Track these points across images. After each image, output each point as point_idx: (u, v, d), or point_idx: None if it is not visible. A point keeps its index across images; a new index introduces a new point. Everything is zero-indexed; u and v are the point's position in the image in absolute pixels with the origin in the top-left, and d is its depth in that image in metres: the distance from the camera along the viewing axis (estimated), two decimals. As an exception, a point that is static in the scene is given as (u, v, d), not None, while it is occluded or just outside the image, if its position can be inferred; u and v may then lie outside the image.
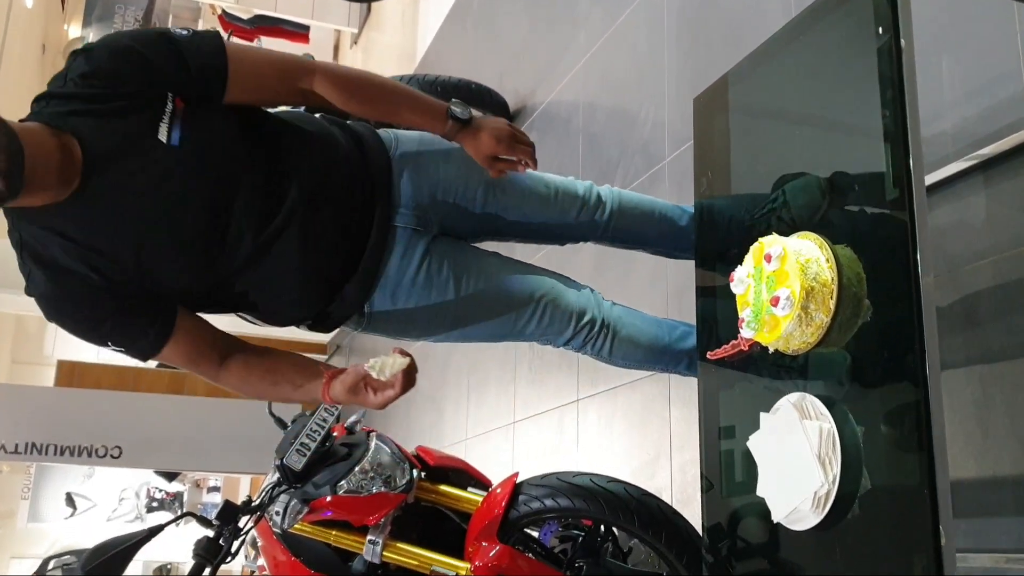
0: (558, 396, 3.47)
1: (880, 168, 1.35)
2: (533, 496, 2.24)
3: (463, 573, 2.28)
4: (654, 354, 2.02)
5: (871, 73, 1.37)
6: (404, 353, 1.61)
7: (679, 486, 2.60)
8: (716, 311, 1.68)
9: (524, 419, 3.76)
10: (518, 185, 1.94)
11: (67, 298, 1.60)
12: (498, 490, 2.34)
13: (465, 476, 2.55)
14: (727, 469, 1.58)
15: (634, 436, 2.93)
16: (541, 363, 3.66)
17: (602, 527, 2.40)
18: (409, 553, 2.33)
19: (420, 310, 1.85)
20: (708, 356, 1.63)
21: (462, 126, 1.77)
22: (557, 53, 3.88)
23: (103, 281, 1.58)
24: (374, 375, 1.60)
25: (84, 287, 1.58)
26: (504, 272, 1.91)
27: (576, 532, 2.42)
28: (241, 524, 2.27)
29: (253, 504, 2.29)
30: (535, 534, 2.42)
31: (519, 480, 2.30)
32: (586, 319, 1.95)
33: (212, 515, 2.24)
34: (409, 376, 1.61)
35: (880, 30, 1.35)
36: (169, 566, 10.57)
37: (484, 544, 2.27)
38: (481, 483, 2.54)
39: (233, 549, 2.27)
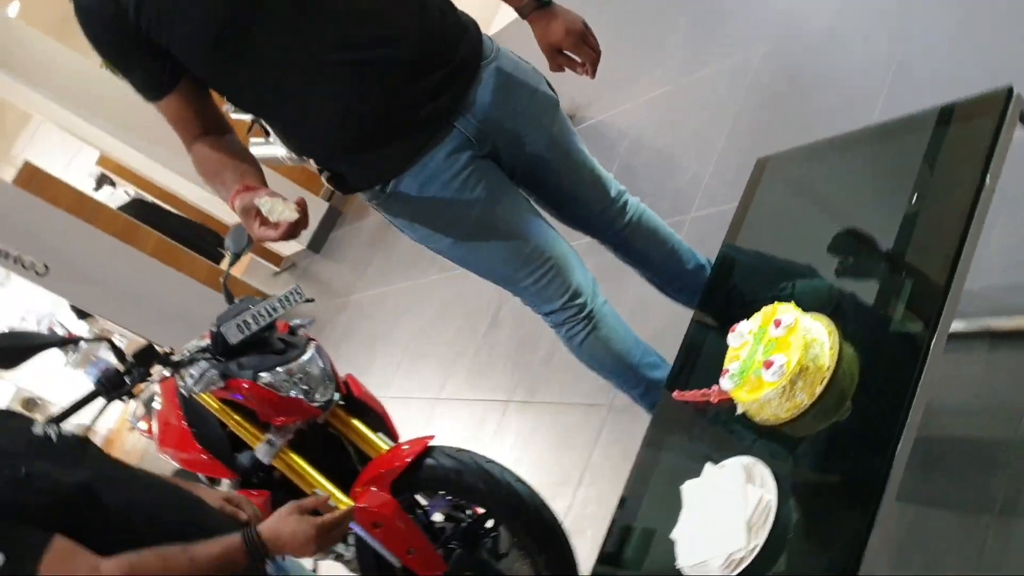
0: (492, 390, 3.44)
1: (912, 291, 1.36)
2: (440, 464, 2.21)
3: (342, 508, 2.23)
4: (620, 367, 2.02)
5: (934, 202, 1.38)
6: (300, 207, 1.59)
7: (575, 517, 2.58)
8: (700, 354, 1.67)
9: (449, 399, 3.73)
10: (575, 154, 1.95)
11: (99, 23, 1.66)
12: (406, 446, 2.31)
13: (380, 421, 2.51)
14: (649, 502, 1.56)
15: (550, 455, 2.90)
16: (492, 353, 3.62)
17: (490, 522, 2.37)
18: (299, 467, 2.28)
19: (440, 211, 1.83)
20: (675, 395, 1.62)
21: (539, 6, 1.78)
22: (629, 76, 3.88)
23: (132, 21, 1.62)
24: (264, 212, 1.60)
25: (116, 20, 1.63)
26: (531, 219, 1.90)
27: (463, 516, 2.38)
28: (152, 371, 2.22)
29: (172, 358, 2.24)
30: (423, 502, 2.39)
31: (432, 444, 2.26)
32: (578, 301, 1.94)
33: (101, 372, 2.19)
34: (293, 228, 1.60)
35: (960, 168, 1.36)
36: (39, 401, 10.33)
37: (373, 489, 2.23)
38: (391, 435, 2.50)
39: (134, 390, 2.21)
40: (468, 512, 2.39)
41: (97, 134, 6.54)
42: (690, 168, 3.11)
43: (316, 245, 6.83)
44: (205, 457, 2.48)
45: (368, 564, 2.41)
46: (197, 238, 7.80)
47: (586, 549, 2.43)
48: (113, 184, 8.53)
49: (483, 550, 2.32)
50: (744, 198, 1.82)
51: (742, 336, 1.46)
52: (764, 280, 1.62)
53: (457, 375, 3.80)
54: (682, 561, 1.36)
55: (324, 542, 1.55)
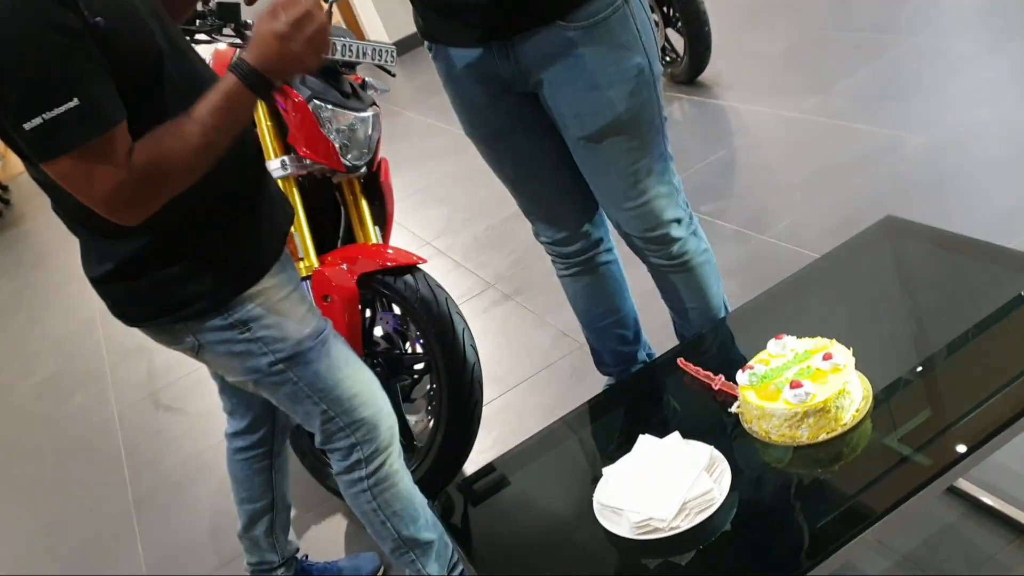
0: (483, 267, 3.36)
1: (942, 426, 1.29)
2: (416, 288, 2.13)
3: (306, 263, 2.16)
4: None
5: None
6: None
7: (491, 412, 2.53)
8: (724, 341, 1.59)
9: (439, 252, 3.64)
10: (599, 163, 1.77)
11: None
12: (392, 251, 2.23)
13: (383, 217, 2.43)
14: (589, 432, 1.50)
15: (502, 352, 2.84)
16: (503, 237, 3.52)
17: (421, 367, 2.31)
18: (296, 203, 2.18)
19: (459, 101, 1.84)
20: (680, 361, 1.55)
21: None
22: (784, 86, 3.73)
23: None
24: None
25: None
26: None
27: (400, 346, 2.32)
28: (224, 31, 2.12)
29: (247, 32, 2.14)
30: (377, 310, 2.32)
31: (421, 266, 2.18)
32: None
33: None
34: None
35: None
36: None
37: (343, 267, 2.15)
38: (385, 235, 2.43)
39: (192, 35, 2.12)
40: (407, 346, 2.33)
41: None
42: (790, 196, 3.00)
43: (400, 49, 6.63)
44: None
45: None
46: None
47: (483, 445, 2.39)
48: None
49: (397, 384, 2.27)
50: (857, 242, 1.73)
51: (785, 348, 1.39)
52: (834, 322, 1.54)
53: (460, 236, 3.71)
54: (599, 496, 1.31)
55: (303, 35, 1.26)
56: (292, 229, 2.15)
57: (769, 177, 3.21)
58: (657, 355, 2.08)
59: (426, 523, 1.80)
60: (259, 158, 1.59)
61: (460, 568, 1.86)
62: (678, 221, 1.82)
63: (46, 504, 3.12)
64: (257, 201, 1.53)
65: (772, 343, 1.41)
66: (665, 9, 4.02)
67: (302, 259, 2.16)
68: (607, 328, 2.14)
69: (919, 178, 2.80)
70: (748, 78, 4.06)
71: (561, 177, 1.88)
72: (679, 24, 3.98)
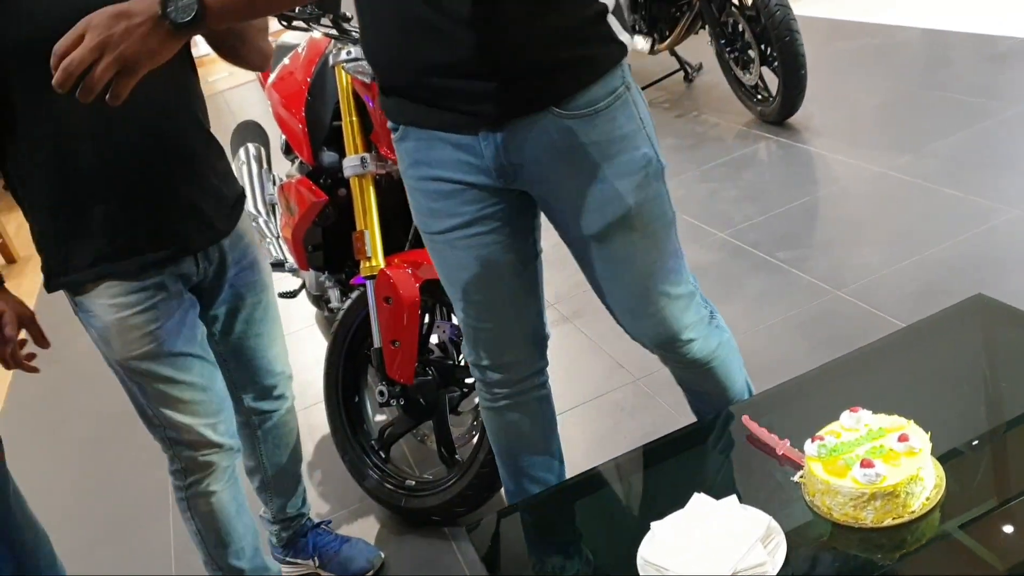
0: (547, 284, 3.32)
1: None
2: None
3: (371, 263, 2.14)
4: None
5: None
6: None
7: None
8: (801, 408, 1.53)
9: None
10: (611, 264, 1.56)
11: None
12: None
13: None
14: (633, 479, 1.45)
15: (554, 375, 2.80)
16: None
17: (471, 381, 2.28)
18: (367, 200, 2.16)
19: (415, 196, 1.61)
20: (745, 419, 1.49)
21: None
22: (880, 140, 3.63)
23: None
24: None
25: None
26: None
27: (455, 357, 2.28)
28: (321, 21, 2.13)
29: (347, 25, 2.14)
30: (436, 318, 2.29)
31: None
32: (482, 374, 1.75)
33: None
34: None
35: None
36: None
37: (408, 271, 2.13)
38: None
39: (291, 22, 2.12)
40: (461, 358, 2.30)
41: None
42: (871, 255, 2.91)
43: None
44: (300, 126, 2.39)
45: (348, 325, 2.33)
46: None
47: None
48: None
49: (447, 394, 2.24)
50: (944, 318, 1.65)
51: (859, 422, 1.32)
52: (912, 401, 1.46)
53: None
54: (644, 552, 1.25)
55: None
56: (363, 227, 2.16)
57: (851, 232, 3.12)
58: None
59: (241, 551, 1.92)
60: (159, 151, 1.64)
61: None
62: (696, 325, 1.63)
63: (91, 464, 3.15)
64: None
65: (846, 415, 1.34)
66: (763, 47, 3.94)
67: (369, 258, 2.15)
68: (529, 469, 1.83)
69: (1008, 254, 2.69)
70: (839, 127, 3.96)
71: (520, 289, 1.65)
72: (775, 64, 3.90)
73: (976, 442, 1.36)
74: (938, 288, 2.60)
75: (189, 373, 1.74)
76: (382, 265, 2.15)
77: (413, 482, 2.31)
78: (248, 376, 1.96)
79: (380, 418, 2.44)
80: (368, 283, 2.16)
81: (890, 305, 2.60)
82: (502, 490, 2.19)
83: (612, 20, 1.45)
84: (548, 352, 1.76)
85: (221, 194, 1.77)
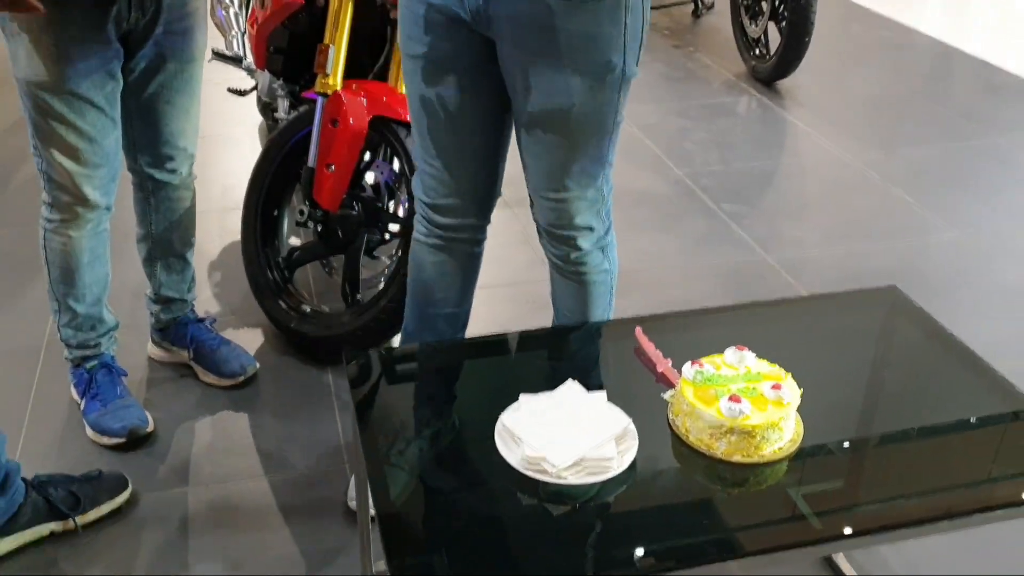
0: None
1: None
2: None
3: (328, 80, 2.08)
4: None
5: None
6: None
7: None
8: (692, 335, 1.56)
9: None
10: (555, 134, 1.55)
11: None
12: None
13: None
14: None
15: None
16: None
17: (396, 228, 2.26)
18: (346, 17, 2.08)
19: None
20: (638, 331, 1.51)
21: None
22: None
23: None
24: None
25: None
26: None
27: (384, 200, 2.25)
28: None
29: None
30: (381, 159, 2.25)
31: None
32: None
33: None
34: None
35: None
36: None
37: (362, 99, 2.08)
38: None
39: None
40: (392, 204, 2.27)
41: None
42: (808, 232, 2.95)
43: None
44: None
45: (286, 137, 2.28)
46: None
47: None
48: None
49: (366, 233, 2.21)
50: (855, 298, 1.69)
51: (741, 360, 1.35)
52: (799, 361, 1.50)
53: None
54: (505, 418, 1.28)
55: None
56: (329, 42, 2.09)
57: (798, 206, 3.15)
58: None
59: (81, 296, 1.96)
60: None
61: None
62: (590, 229, 1.66)
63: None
64: None
65: (731, 350, 1.37)
66: (776, 2, 3.89)
67: (328, 75, 2.09)
68: (436, 317, 1.86)
69: (933, 270, 2.76)
70: (822, 105, 3.96)
71: (477, 141, 1.66)
72: (783, 23, 3.85)
73: (843, 415, 1.41)
74: (858, 280, 2.66)
75: (83, 119, 1.74)
76: (338, 87, 2.09)
77: (308, 308, 2.30)
78: (148, 140, 1.95)
79: (292, 241, 2.41)
80: (319, 100, 2.10)
81: (808, 281, 2.65)
82: (394, 340, 2.21)
83: None
84: (491, 227, 1.76)
85: None
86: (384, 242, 2.27)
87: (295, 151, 2.28)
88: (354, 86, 2.12)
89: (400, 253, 2.18)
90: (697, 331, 1.63)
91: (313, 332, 2.24)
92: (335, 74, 2.09)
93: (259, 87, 2.71)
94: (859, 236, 2.93)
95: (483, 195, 1.74)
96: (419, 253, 1.80)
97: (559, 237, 1.67)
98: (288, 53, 2.41)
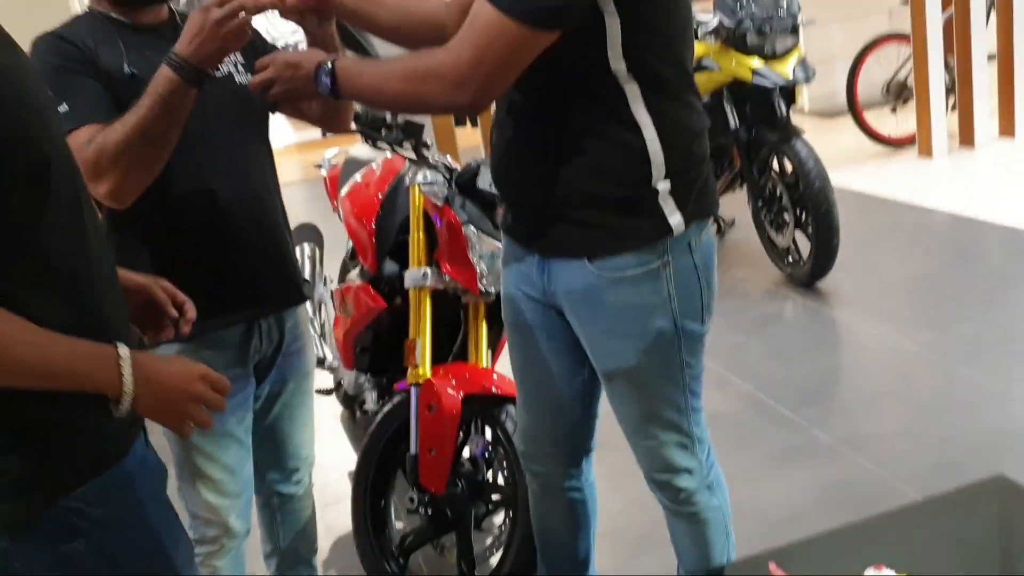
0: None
1: None
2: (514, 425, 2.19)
3: (419, 371, 2.25)
4: None
5: None
6: None
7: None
8: (824, 563, 1.60)
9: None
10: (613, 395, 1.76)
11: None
12: (497, 376, 2.31)
13: (496, 342, 2.52)
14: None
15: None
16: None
17: (497, 497, 2.34)
18: (423, 312, 2.28)
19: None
20: (771, 565, 1.56)
21: None
22: (932, 317, 3.74)
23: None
24: None
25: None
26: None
27: (484, 472, 2.35)
28: (404, 143, 2.29)
29: (425, 151, 2.31)
30: (475, 433, 2.37)
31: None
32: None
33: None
34: None
35: None
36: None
37: (452, 381, 2.23)
38: (495, 357, 2.51)
39: (376, 142, 2.30)
40: (490, 473, 2.37)
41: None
42: (889, 424, 3.00)
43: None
44: (367, 234, 2.54)
45: (385, 428, 2.41)
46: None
47: None
48: None
49: (474, 507, 2.30)
50: (964, 495, 1.73)
51: (882, 581, 1.39)
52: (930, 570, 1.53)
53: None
54: None
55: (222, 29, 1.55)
56: (415, 336, 2.28)
57: (871, 400, 3.21)
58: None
59: None
60: None
61: None
62: (688, 471, 1.75)
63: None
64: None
65: (871, 571, 1.41)
66: (799, 212, 4.13)
67: (418, 366, 2.25)
68: (556, 560, 2.05)
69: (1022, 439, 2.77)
70: (865, 297, 4.10)
71: (564, 396, 1.85)
72: (809, 230, 4.07)
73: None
74: (954, 463, 2.67)
75: (226, 454, 1.86)
76: (429, 375, 2.26)
77: (428, 591, 2.34)
78: (275, 458, 2.07)
79: (399, 525, 2.49)
80: (413, 390, 2.26)
81: (906, 475, 2.67)
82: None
83: (666, 200, 1.58)
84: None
85: (294, 271, 1.96)
86: (490, 512, 2.35)
87: (393, 440, 2.41)
88: (441, 371, 2.28)
89: (509, 520, 2.25)
90: (827, 557, 1.66)
91: (439, 614, 2.28)
92: (424, 364, 2.26)
93: (344, 383, 2.89)
94: (939, 418, 2.96)
95: (572, 445, 1.92)
96: (531, 497, 2.01)
97: (660, 481, 1.78)
98: (373, 350, 2.60)
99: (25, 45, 1.23)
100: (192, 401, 1.20)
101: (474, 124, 7.73)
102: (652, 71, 1.53)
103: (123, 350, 1.13)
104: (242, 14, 1.56)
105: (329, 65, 1.54)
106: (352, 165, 3.05)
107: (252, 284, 1.82)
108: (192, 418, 1.21)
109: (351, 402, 3.04)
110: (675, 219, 1.58)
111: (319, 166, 3.38)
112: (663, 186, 1.56)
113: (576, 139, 1.54)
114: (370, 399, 2.74)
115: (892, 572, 1.41)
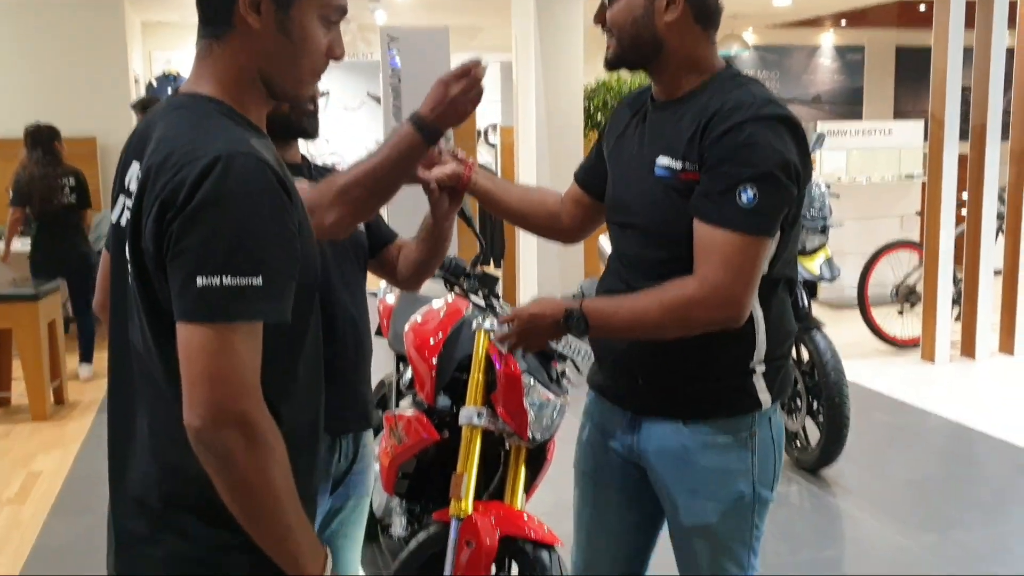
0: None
1: None
2: (550, 563, 2.29)
3: (462, 505, 2.36)
4: None
5: None
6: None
7: None
8: None
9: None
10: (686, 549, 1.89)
11: None
12: (534, 521, 2.41)
13: (536, 476, 2.66)
14: None
15: None
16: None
17: None
18: (471, 449, 2.39)
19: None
20: None
21: None
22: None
23: None
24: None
25: None
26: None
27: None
28: (477, 292, 2.49)
29: (494, 302, 2.50)
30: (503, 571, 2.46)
31: (558, 548, 2.35)
32: None
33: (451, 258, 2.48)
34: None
35: None
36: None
37: (491, 520, 2.34)
38: (530, 488, 2.62)
39: (453, 289, 2.49)
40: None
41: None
42: None
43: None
44: (427, 368, 2.70)
45: (420, 555, 2.50)
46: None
47: None
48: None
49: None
50: None
51: None
52: None
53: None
54: None
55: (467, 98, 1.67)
56: (462, 471, 2.40)
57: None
58: None
59: None
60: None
61: None
62: None
63: None
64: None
65: None
66: (812, 401, 4.31)
67: (461, 500, 2.37)
68: None
69: None
70: (869, 491, 4.23)
71: (622, 547, 2.00)
72: (819, 418, 4.24)
73: None
74: None
75: None
76: (470, 511, 2.37)
77: None
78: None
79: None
80: (454, 522, 2.36)
81: None
82: None
83: (760, 380, 1.79)
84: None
85: (369, 393, 2.12)
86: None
87: (426, 567, 2.50)
88: (481, 507, 2.39)
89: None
90: None
91: None
92: (466, 499, 2.38)
93: (375, 504, 2.99)
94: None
95: None
96: None
97: None
98: (414, 478, 2.72)
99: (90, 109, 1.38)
100: None
101: (497, 265, 8.06)
102: (778, 274, 1.76)
103: (330, 560, 1.27)
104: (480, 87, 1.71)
105: (579, 309, 1.72)
106: (409, 300, 3.25)
107: (346, 401, 1.97)
108: None
109: (375, 523, 3.12)
110: (764, 397, 1.79)
111: (373, 293, 3.58)
112: (760, 368, 1.77)
113: None
114: (398, 524, 2.84)
115: None
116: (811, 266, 4.29)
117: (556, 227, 2.09)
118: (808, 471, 4.39)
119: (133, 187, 1.22)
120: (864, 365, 6.19)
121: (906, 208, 8.14)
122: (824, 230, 4.38)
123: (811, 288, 4.44)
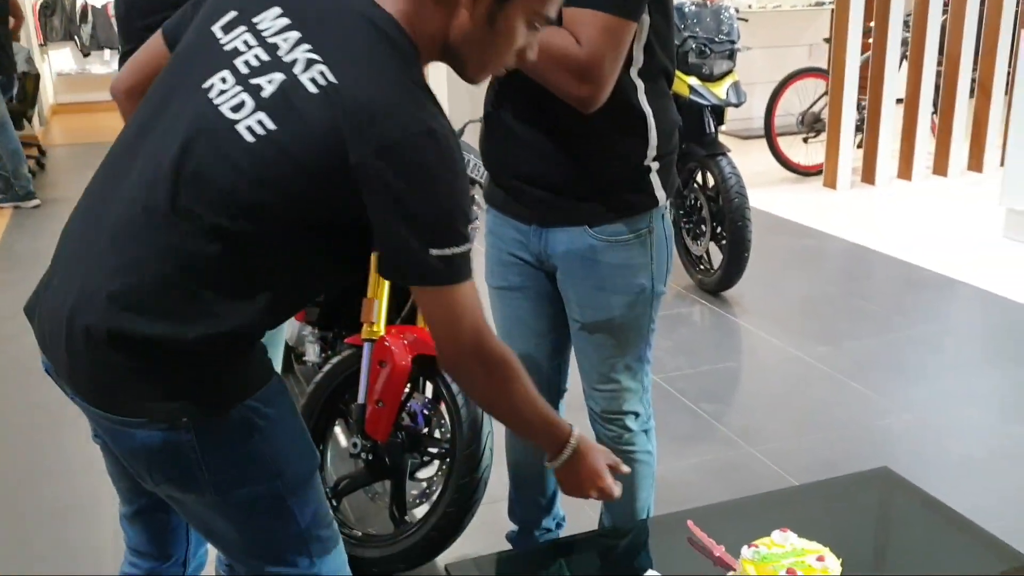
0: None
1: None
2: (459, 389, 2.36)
3: (374, 328, 2.39)
4: None
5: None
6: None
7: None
8: (736, 525, 1.83)
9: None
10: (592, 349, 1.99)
11: None
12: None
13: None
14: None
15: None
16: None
17: (436, 450, 2.51)
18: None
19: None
20: (688, 522, 1.78)
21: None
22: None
23: None
24: None
25: None
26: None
27: (423, 429, 2.52)
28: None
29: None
30: (417, 391, 2.54)
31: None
32: None
33: None
34: None
35: None
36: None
37: (404, 341, 2.39)
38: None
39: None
40: (428, 431, 2.54)
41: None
42: (781, 424, 3.29)
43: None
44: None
45: (332, 378, 2.55)
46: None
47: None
48: None
49: (410, 458, 2.46)
50: (852, 481, 1.99)
51: (787, 540, 1.62)
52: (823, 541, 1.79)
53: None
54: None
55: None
56: (373, 296, 2.43)
57: (767, 401, 3.51)
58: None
59: None
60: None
61: None
62: (635, 414, 2.04)
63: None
64: None
65: (777, 533, 1.64)
66: (715, 227, 4.43)
67: (373, 323, 2.41)
68: (531, 481, 2.31)
69: (899, 450, 3.11)
70: (767, 309, 4.44)
71: (543, 345, 2.10)
72: (723, 242, 4.38)
73: (871, 577, 1.68)
74: (838, 462, 2.98)
75: None
76: (383, 332, 2.41)
77: (360, 533, 2.50)
78: None
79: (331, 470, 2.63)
80: (367, 345, 2.41)
81: (794, 468, 2.97)
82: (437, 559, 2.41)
83: (655, 177, 1.86)
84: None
85: None
86: (424, 464, 2.52)
87: (338, 390, 2.56)
88: (394, 330, 2.44)
89: (442, 472, 2.43)
90: (737, 520, 1.90)
91: (368, 555, 2.43)
92: (379, 322, 2.41)
93: (287, 334, 3.01)
94: (828, 425, 3.28)
95: (549, 386, 2.14)
96: (507, 437, 2.24)
97: (611, 419, 2.05)
98: (323, 306, 2.74)
99: None
100: (592, 488, 1.59)
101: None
102: (659, 67, 1.80)
103: (574, 438, 1.53)
104: None
105: None
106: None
107: None
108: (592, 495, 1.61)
109: (289, 352, 3.16)
110: (660, 194, 1.87)
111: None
112: (655, 165, 1.84)
113: (588, 124, 1.73)
114: (311, 351, 2.88)
115: (794, 534, 1.65)
116: (718, 91, 4.31)
117: None
118: (710, 293, 4.56)
119: (278, 42, 1.25)
120: (769, 192, 6.36)
121: (815, 36, 8.17)
122: (731, 55, 4.38)
123: (718, 114, 4.47)
